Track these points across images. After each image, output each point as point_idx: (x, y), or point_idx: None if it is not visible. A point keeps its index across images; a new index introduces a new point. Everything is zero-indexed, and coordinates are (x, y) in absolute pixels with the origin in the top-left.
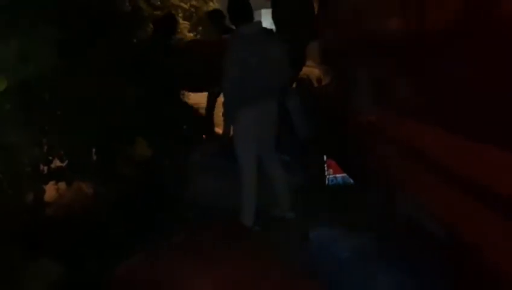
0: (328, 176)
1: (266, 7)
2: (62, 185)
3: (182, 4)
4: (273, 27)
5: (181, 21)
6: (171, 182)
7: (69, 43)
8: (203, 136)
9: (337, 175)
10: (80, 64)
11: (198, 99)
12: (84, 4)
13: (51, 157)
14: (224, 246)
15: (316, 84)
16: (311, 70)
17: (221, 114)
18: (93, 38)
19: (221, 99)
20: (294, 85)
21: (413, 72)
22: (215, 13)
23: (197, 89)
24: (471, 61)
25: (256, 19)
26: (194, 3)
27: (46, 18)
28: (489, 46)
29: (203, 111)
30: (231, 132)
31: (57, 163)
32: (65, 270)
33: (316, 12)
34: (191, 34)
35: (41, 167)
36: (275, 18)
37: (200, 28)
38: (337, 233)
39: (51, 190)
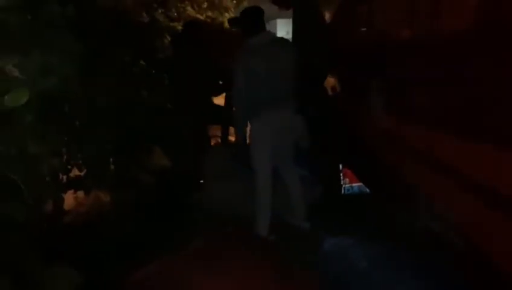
0: (344, 185)
1: (282, 17)
2: (80, 193)
3: (198, 15)
4: (289, 36)
5: None
6: (187, 188)
7: (89, 55)
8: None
9: (353, 184)
10: (99, 74)
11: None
12: (104, 16)
13: (69, 167)
14: (240, 253)
15: (330, 93)
16: (326, 79)
17: None
18: (113, 49)
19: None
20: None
21: (433, 78)
22: (235, 20)
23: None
24: (493, 67)
25: (272, 28)
26: (209, 14)
27: (68, 30)
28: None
29: None
30: (247, 140)
31: (75, 172)
32: (83, 277)
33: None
34: None
35: (61, 176)
36: (294, 29)
37: None
38: (353, 242)
39: (69, 199)
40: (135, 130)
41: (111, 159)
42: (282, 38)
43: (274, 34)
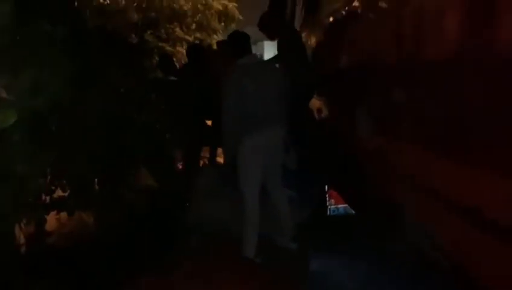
0: (329, 207)
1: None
2: (63, 214)
3: (187, 37)
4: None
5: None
6: (175, 208)
7: (78, 73)
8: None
9: (339, 205)
10: (88, 93)
11: None
12: (93, 35)
13: (53, 187)
14: (229, 273)
15: (316, 115)
16: (312, 101)
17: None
18: (101, 68)
19: None
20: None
21: (417, 100)
22: (223, 42)
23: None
24: (474, 90)
25: (259, 50)
26: (198, 35)
27: (58, 49)
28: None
29: None
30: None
31: (58, 193)
32: None
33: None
34: None
35: (44, 196)
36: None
37: None
38: (341, 262)
39: (51, 220)
40: (122, 150)
41: (96, 180)
42: (268, 60)
43: (261, 56)
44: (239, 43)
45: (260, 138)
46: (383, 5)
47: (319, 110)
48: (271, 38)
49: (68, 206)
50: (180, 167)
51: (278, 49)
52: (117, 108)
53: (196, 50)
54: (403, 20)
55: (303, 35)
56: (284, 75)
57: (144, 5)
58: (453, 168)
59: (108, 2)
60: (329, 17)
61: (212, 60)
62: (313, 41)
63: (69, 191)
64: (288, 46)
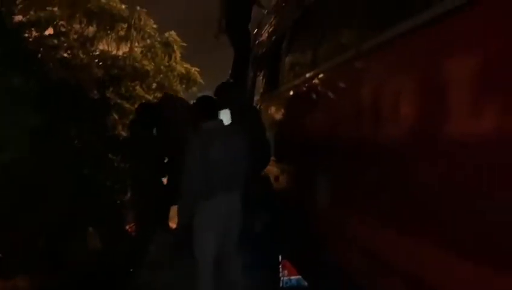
0: (282, 278)
1: None
2: None
3: (147, 95)
4: None
5: None
6: (122, 272)
7: (40, 131)
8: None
9: (292, 277)
10: (47, 152)
11: None
12: (57, 88)
13: None
14: None
15: (273, 182)
16: (269, 167)
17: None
18: (63, 124)
19: None
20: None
21: (370, 173)
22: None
23: None
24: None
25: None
26: (158, 95)
27: (23, 106)
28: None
29: None
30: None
31: None
32: None
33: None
34: None
35: None
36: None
37: None
38: None
39: None
40: (71, 210)
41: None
42: (233, 125)
43: (225, 122)
44: (206, 108)
45: (219, 203)
46: (338, 85)
47: (277, 178)
48: (228, 107)
49: (5, 270)
50: (129, 229)
51: (233, 116)
52: (73, 166)
53: (147, 108)
54: (357, 99)
55: (263, 105)
56: (246, 142)
57: (108, 62)
58: (406, 240)
59: (70, 55)
60: (289, 91)
61: (172, 120)
62: (272, 111)
63: (5, 254)
64: (245, 115)
